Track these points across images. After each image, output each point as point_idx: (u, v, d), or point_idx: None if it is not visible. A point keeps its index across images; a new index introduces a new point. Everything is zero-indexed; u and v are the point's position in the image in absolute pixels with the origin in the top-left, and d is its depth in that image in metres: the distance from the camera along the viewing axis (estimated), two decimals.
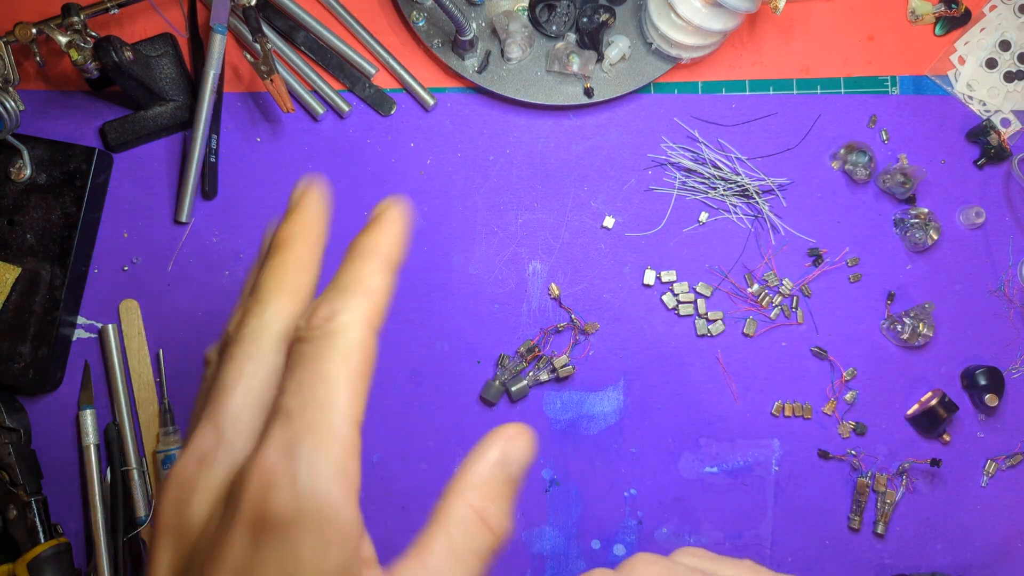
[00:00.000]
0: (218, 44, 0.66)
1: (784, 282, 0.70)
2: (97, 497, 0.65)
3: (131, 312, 0.68)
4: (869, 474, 0.69)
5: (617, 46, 0.69)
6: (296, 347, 0.28)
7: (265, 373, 0.29)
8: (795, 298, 0.71)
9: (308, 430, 0.26)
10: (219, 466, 0.27)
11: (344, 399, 0.27)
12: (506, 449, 0.31)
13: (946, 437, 0.70)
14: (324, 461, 0.26)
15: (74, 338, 0.68)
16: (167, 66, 0.69)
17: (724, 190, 0.71)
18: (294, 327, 0.29)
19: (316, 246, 0.33)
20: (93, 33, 0.64)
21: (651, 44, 0.70)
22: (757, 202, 0.71)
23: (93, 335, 0.68)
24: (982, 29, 0.74)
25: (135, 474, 0.66)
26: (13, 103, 0.60)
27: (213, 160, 0.69)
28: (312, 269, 0.32)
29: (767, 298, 0.70)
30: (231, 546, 0.26)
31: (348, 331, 0.28)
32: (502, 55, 0.69)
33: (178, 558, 0.27)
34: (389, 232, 0.32)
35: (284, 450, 0.26)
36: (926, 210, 0.71)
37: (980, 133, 0.72)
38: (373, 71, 0.71)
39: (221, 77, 0.67)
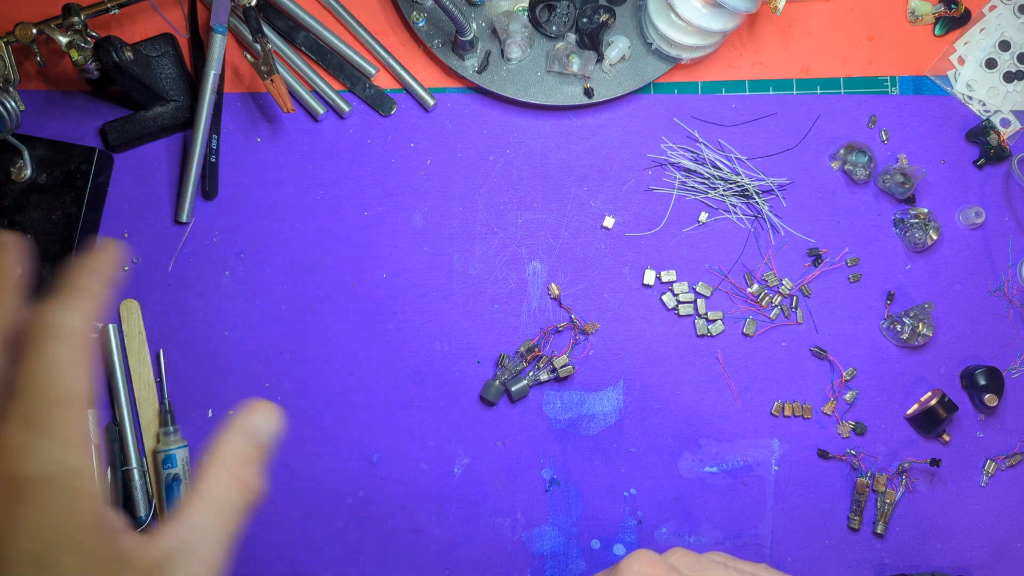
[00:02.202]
0: (218, 44, 0.66)
1: (784, 282, 0.70)
2: None
3: (131, 312, 0.68)
4: (869, 474, 0.69)
5: (617, 46, 0.69)
6: (23, 342, 0.32)
7: None
8: (795, 298, 0.71)
9: (47, 404, 0.30)
10: None
11: (70, 373, 0.31)
12: (252, 421, 0.36)
13: (946, 437, 0.70)
14: (62, 432, 0.30)
15: None
16: (167, 66, 0.69)
17: (724, 190, 0.71)
18: (11, 330, 0.34)
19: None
20: (93, 33, 0.64)
21: (651, 44, 0.70)
22: (757, 202, 0.71)
23: (93, 335, 0.68)
24: (982, 29, 0.74)
25: (135, 474, 0.66)
26: (13, 103, 0.60)
27: (213, 160, 0.69)
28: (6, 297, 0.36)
29: (767, 298, 0.70)
30: None
31: (70, 323, 0.33)
32: (502, 55, 0.69)
33: None
34: (105, 257, 0.38)
35: (24, 423, 0.30)
36: (926, 210, 0.71)
37: (980, 133, 0.72)
38: (373, 71, 0.71)
39: (221, 77, 0.67)
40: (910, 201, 0.72)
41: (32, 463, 0.29)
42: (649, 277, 0.70)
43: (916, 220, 0.70)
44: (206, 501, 0.33)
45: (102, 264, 0.38)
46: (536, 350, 0.69)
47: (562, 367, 0.68)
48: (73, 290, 0.35)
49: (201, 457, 0.35)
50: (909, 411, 0.70)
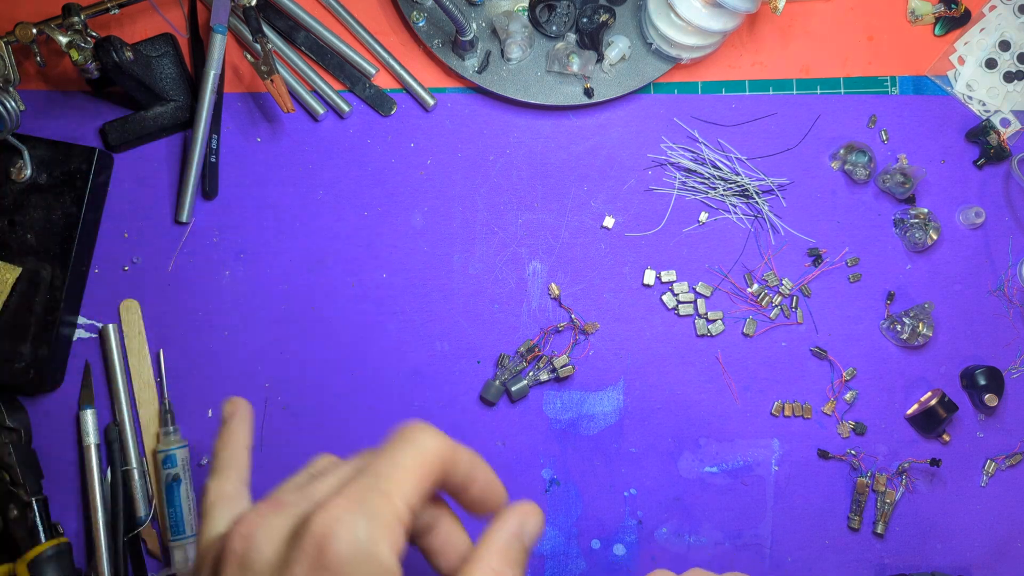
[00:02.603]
0: (218, 44, 0.66)
1: (784, 282, 0.70)
2: (97, 497, 0.65)
3: (131, 312, 0.68)
4: (869, 474, 0.69)
5: (617, 46, 0.69)
6: (396, 431, 0.35)
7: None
8: (795, 298, 0.71)
9: (377, 492, 0.32)
10: (286, 514, 0.33)
11: (410, 483, 0.33)
12: (522, 522, 0.36)
13: (946, 437, 0.70)
14: (382, 520, 0.31)
15: (74, 338, 0.68)
16: (167, 66, 0.69)
17: (724, 190, 0.71)
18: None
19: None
20: (93, 33, 0.64)
21: (651, 44, 0.70)
22: (757, 202, 0.71)
23: (93, 335, 0.68)
24: (982, 29, 0.74)
25: (135, 474, 0.66)
26: (13, 103, 0.60)
27: (213, 160, 0.69)
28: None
29: (767, 298, 0.70)
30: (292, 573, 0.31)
31: (431, 445, 0.35)
32: (502, 55, 0.69)
33: None
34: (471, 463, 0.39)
35: (353, 502, 0.31)
36: (926, 210, 0.71)
37: (980, 133, 0.72)
38: (373, 71, 0.71)
39: (221, 77, 0.67)
40: (910, 201, 0.72)
41: (347, 538, 0.30)
42: (649, 277, 0.70)
43: (916, 220, 0.70)
44: None
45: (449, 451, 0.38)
46: (536, 350, 0.69)
47: (562, 367, 0.68)
48: (454, 444, 0.36)
49: (471, 548, 0.36)
50: (909, 411, 0.70)
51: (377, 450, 0.35)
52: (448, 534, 0.39)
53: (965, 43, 0.74)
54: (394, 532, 0.32)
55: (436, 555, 0.39)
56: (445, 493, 0.38)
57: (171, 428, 0.66)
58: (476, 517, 0.39)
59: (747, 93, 0.72)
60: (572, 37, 0.70)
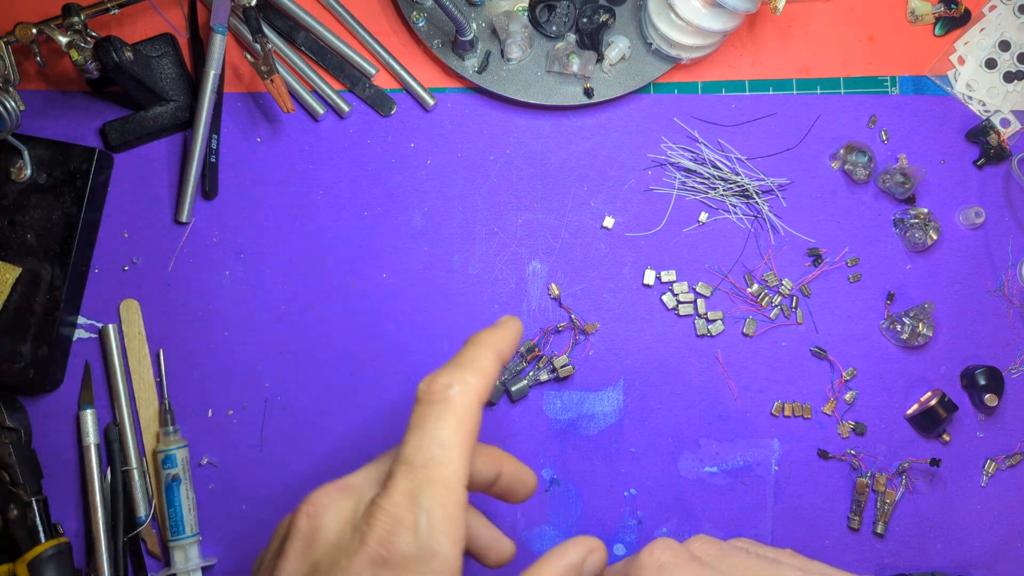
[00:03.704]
0: (218, 44, 0.66)
1: (784, 282, 0.70)
2: (97, 497, 0.65)
3: (131, 312, 0.68)
4: (869, 474, 0.69)
5: (617, 46, 0.69)
6: (419, 407, 0.34)
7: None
8: (795, 298, 0.71)
9: (428, 483, 0.32)
10: (352, 497, 0.33)
11: (456, 460, 0.33)
12: (587, 558, 0.36)
13: (946, 437, 0.70)
14: (440, 513, 0.31)
15: (74, 338, 0.68)
16: (167, 66, 0.69)
17: (724, 190, 0.71)
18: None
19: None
20: (93, 33, 0.64)
21: (651, 44, 0.70)
22: (757, 202, 0.71)
23: (93, 335, 0.68)
24: (982, 29, 0.74)
25: (135, 474, 0.66)
26: (13, 103, 0.60)
27: (213, 160, 0.69)
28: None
29: (767, 298, 0.70)
30: (352, 573, 0.30)
31: (461, 399, 0.34)
32: (502, 55, 0.69)
33: (303, 564, 0.33)
34: (504, 332, 0.38)
35: (408, 499, 0.31)
36: (926, 210, 0.71)
37: (980, 133, 0.72)
38: (373, 71, 0.71)
39: (221, 77, 0.68)
40: (910, 201, 0.72)
41: (407, 540, 0.30)
42: (649, 277, 0.70)
43: (916, 220, 0.70)
44: None
45: (500, 340, 0.38)
46: (536, 350, 0.69)
47: (562, 367, 0.68)
48: (468, 364, 0.36)
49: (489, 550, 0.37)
50: (909, 411, 0.70)
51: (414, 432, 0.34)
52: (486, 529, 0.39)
53: (965, 43, 0.74)
54: (455, 523, 0.32)
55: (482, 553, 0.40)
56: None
57: (171, 428, 0.66)
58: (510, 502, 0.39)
59: (747, 93, 0.72)
60: (572, 37, 0.70)
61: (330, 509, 0.33)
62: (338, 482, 0.34)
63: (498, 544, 0.41)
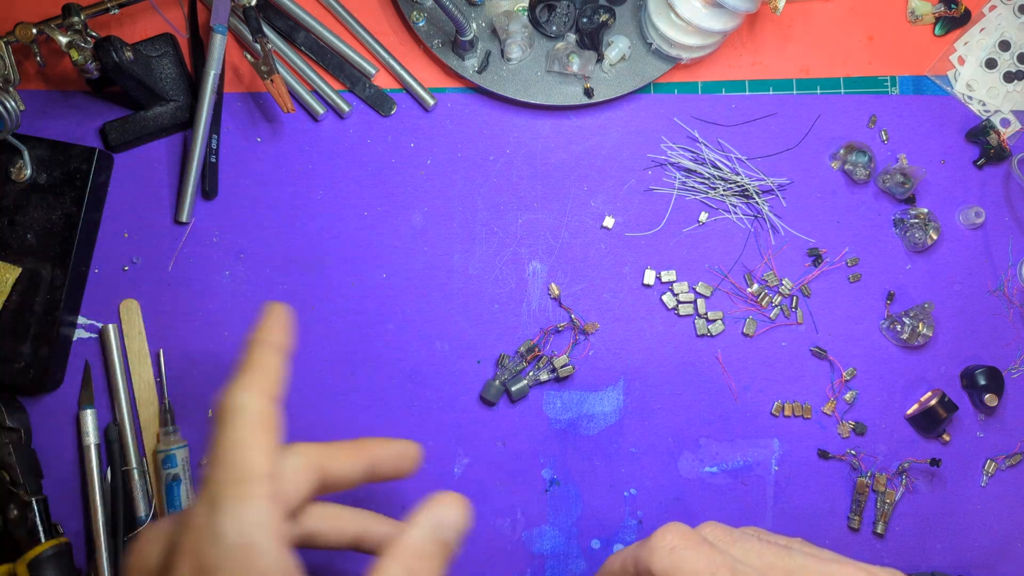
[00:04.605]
0: (218, 44, 0.66)
1: (784, 282, 0.70)
2: (97, 497, 0.65)
3: (131, 312, 0.68)
4: (869, 474, 0.69)
5: (617, 46, 0.69)
6: (214, 427, 0.34)
7: None
8: (795, 298, 0.71)
9: (228, 485, 0.31)
10: (176, 522, 0.33)
11: (255, 457, 0.32)
12: (440, 516, 0.36)
13: (946, 437, 0.70)
14: (244, 511, 0.31)
15: (74, 338, 0.68)
16: (167, 66, 0.69)
17: (724, 190, 0.71)
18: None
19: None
20: (93, 33, 0.64)
21: (651, 44, 0.70)
22: (757, 202, 0.71)
23: (93, 335, 0.68)
24: (982, 29, 0.74)
25: (135, 474, 0.66)
26: (13, 103, 0.60)
27: (213, 160, 0.69)
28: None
29: (767, 298, 0.70)
30: None
31: (249, 404, 0.34)
32: (502, 55, 0.69)
33: None
34: (273, 325, 0.39)
35: (208, 507, 0.31)
36: (926, 210, 0.71)
37: (980, 133, 0.72)
38: (373, 71, 0.71)
39: (221, 77, 0.68)
40: (910, 201, 0.72)
41: (212, 543, 0.30)
42: (649, 277, 0.70)
43: (916, 220, 0.70)
44: None
45: (269, 331, 0.39)
46: (536, 350, 0.69)
47: (562, 367, 0.68)
48: (249, 368, 0.36)
49: (382, 544, 0.35)
50: (909, 411, 0.70)
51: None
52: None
53: (965, 43, 0.74)
54: (264, 515, 0.31)
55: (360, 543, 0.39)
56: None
57: (171, 428, 0.66)
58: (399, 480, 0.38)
59: (747, 93, 0.72)
60: (572, 37, 0.70)
61: (151, 541, 0.33)
62: (170, 516, 0.35)
63: (378, 525, 0.40)
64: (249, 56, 0.66)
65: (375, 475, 0.39)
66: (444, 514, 0.36)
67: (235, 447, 0.33)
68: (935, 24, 0.74)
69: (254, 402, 0.34)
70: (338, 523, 0.39)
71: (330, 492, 0.38)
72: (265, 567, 0.30)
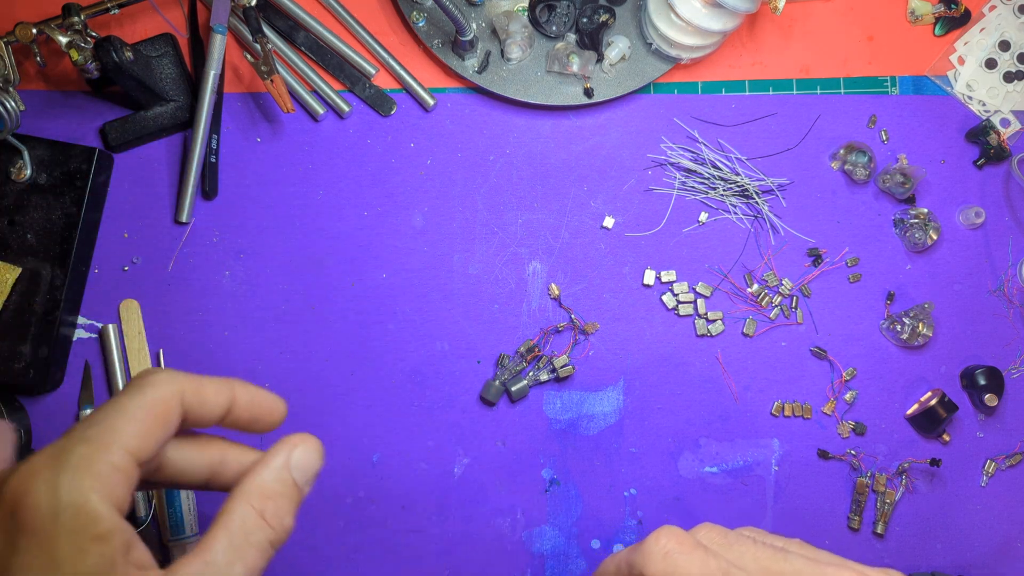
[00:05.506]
0: (218, 44, 0.66)
1: (784, 282, 0.70)
2: None
3: (131, 312, 0.68)
4: (869, 474, 0.69)
5: (617, 46, 0.69)
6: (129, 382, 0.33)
7: None
8: (795, 298, 0.71)
9: (84, 443, 0.29)
10: None
11: (131, 430, 0.30)
12: (289, 455, 0.34)
13: (946, 437, 0.70)
14: (88, 472, 0.29)
15: (74, 338, 0.68)
16: (167, 66, 0.69)
17: (724, 190, 0.71)
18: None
19: None
20: (93, 33, 0.64)
21: (651, 44, 0.70)
22: (757, 202, 0.71)
23: (93, 335, 0.68)
24: (982, 29, 0.74)
25: None
26: (13, 103, 0.60)
27: (213, 160, 0.69)
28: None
29: (767, 298, 0.70)
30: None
31: (161, 384, 0.32)
32: (502, 55, 0.69)
33: None
34: (261, 402, 0.37)
35: (53, 456, 0.29)
36: (926, 210, 0.71)
37: (980, 133, 0.72)
38: (373, 71, 0.71)
39: (221, 77, 0.67)
40: (910, 201, 0.72)
41: (43, 493, 0.28)
42: (649, 277, 0.70)
43: (916, 220, 0.70)
44: (229, 537, 0.32)
45: (251, 395, 0.37)
46: (536, 350, 0.69)
47: (562, 367, 0.68)
48: (195, 376, 0.34)
49: (233, 481, 0.34)
50: (909, 411, 0.70)
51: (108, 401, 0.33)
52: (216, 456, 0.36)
53: (965, 43, 0.74)
54: (107, 481, 0.29)
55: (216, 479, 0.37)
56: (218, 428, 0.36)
57: None
58: (255, 434, 0.36)
59: (747, 93, 0.72)
60: (572, 37, 0.70)
61: None
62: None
63: (236, 453, 0.37)
64: (249, 56, 0.66)
65: (234, 416, 0.36)
66: (297, 454, 0.34)
67: (113, 410, 0.31)
68: (935, 24, 0.74)
69: (168, 388, 0.32)
70: (192, 451, 0.36)
71: (186, 427, 0.36)
72: (104, 533, 0.29)
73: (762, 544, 0.44)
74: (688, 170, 0.71)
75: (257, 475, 0.34)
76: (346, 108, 0.70)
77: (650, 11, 0.68)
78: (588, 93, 0.69)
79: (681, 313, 0.70)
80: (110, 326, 0.67)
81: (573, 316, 0.70)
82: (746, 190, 0.71)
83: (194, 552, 0.31)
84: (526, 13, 0.70)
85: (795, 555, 0.43)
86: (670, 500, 0.69)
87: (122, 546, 0.29)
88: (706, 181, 0.71)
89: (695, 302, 0.70)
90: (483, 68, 0.70)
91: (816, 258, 0.71)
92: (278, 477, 0.34)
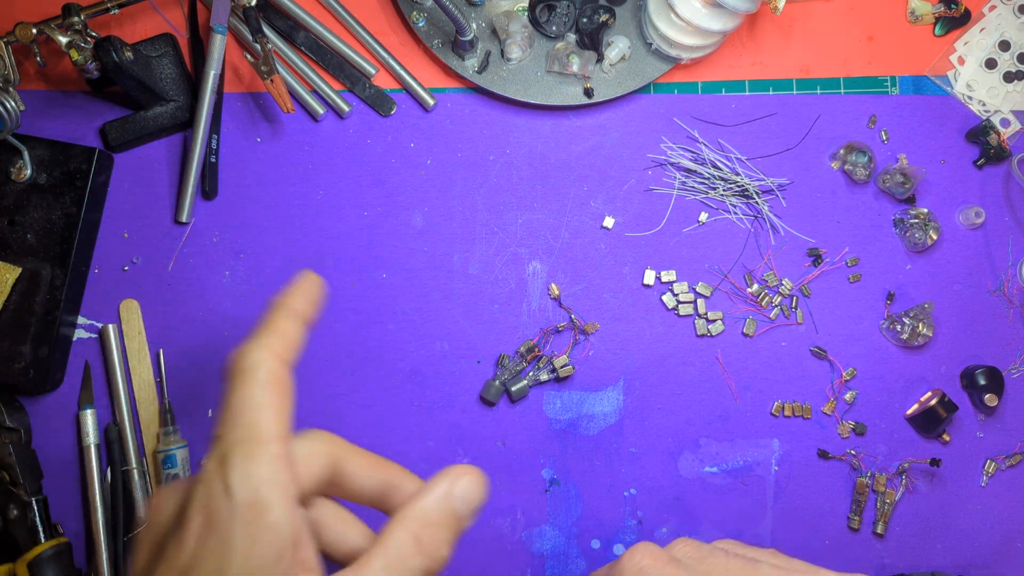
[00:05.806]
0: (218, 44, 0.66)
1: (784, 282, 0.70)
2: (97, 497, 0.65)
3: (131, 312, 0.68)
4: (869, 474, 0.69)
5: (617, 46, 0.69)
6: (225, 385, 0.34)
7: None
8: (795, 298, 0.71)
9: (239, 444, 0.32)
10: (185, 480, 0.34)
11: (268, 417, 0.33)
12: (453, 485, 0.35)
13: (946, 437, 0.70)
14: (254, 467, 0.31)
15: (74, 338, 0.68)
16: (167, 66, 0.69)
17: (724, 190, 0.71)
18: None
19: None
20: (93, 33, 0.64)
21: (651, 44, 0.70)
22: (757, 202, 0.71)
23: (93, 335, 0.68)
24: (982, 29, 0.74)
25: (135, 474, 0.66)
26: (13, 103, 0.60)
27: (213, 160, 0.69)
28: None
29: (767, 298, 0.70)
30: (182, 542, 0.31)
31: (262, 364, 0.34)
32: (502, 55, 0.69)
33: (149, 548, 0.33)
34: (301, 293, 0.38)
35: (219, 462, 0.31)
36: (926, 210, 0.71)
37: (980, 133, 0.72)
38: (373, 71, 0.71)
39: (221, 77, 0.68)
40: (910, 201, 0.72)
41: (222, 498, 0.31)
42: (649, 277, 0.70)
43: (916, 220, 0.70)
44: (385, 559, 0.33)
45: (294, 298, 0.38)
46: (536, 350, 0.69)
47: (562, 367, 0.68)
48: (267, 330, 0.36)
49: (397, 509, 0.34)
50: (909, 411, 0.70)
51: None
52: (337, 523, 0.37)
53: (965, 43, 0.74)
54: (275, 473, 0.31)
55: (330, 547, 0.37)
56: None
57: (171, 428, 0.66)
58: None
59: (747, 93, 0.72)
60: (572, 37, 0.70)
61: (167, 495, 0.34)
62: (188, 477, 0.35)
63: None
64: (249, 56, 0.66)
65: (387, 501, 0.37)
66: (461, 484, 0.35)
67: (245, 406, 0.33)
68: (935, 24, 0.74)
69: (268, 362, 0.34)
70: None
71: (338, 495, 0.37)
72: (273, 522, 0.30)
73: (734, 555, 0.46)
74: (688, 170, 0.71)
75: (419, 502, 0.34)
76: (346, 108, 0.70)
77: (650, 11, 0.68)
78: (588, 93, 0.69)
79: (681, 313, 0.70)
80: (110, 326, 0.67)
81: (573, 316, 0.70)
82: (746, 190, 0.71)
83: (350, 568, 0.32)
84: (526, 13, 0.70)
85: (765, 564, 0.45)
86: (670, 500, 0.69)
87: (292, 538, 0.31)
88: (706, 181, 0.71)
89: (695, 302, 0.70)
90: (483, 68, 0.70)
91: (816, 258, 0.71)
92: (439, 506, 0.34)
